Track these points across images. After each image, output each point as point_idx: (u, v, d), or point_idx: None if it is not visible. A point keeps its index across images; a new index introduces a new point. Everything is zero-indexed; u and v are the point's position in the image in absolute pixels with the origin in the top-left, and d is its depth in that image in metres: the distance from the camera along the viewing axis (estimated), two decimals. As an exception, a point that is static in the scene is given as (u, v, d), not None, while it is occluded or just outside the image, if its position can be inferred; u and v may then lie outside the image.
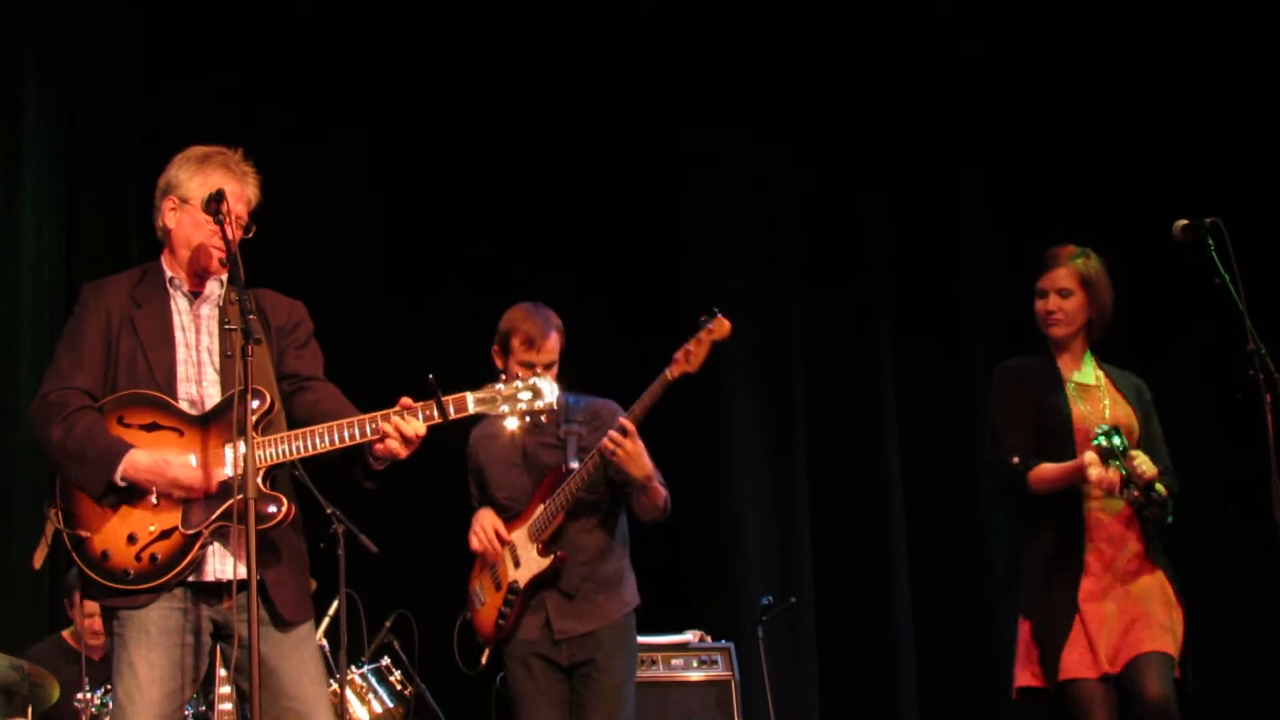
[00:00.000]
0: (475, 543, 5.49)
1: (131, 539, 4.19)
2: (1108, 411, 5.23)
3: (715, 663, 6.81)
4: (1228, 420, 7.25)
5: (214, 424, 4.26)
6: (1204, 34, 8.01)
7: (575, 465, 5.40)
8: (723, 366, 8.14)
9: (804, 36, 8.38)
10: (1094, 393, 5.29)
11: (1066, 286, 5.28)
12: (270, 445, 4.21)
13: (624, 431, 5.22)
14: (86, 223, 7.49)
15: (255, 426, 4.18)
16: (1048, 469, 5.13)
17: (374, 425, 4.21)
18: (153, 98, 7.67)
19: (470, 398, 4.27)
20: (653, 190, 8.29)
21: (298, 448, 4.22)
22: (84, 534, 4.21)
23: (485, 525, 5.50)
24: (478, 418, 4.40)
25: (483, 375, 4.39)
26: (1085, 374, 5.33)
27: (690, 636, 6.88)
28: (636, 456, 5.26)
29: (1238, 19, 7.97)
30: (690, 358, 5.25)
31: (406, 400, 4.25)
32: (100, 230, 7.45)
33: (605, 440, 5.23)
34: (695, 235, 8.38)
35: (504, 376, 4.37)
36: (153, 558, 4.18)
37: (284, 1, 7.96)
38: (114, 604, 4.23)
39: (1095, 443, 4.97)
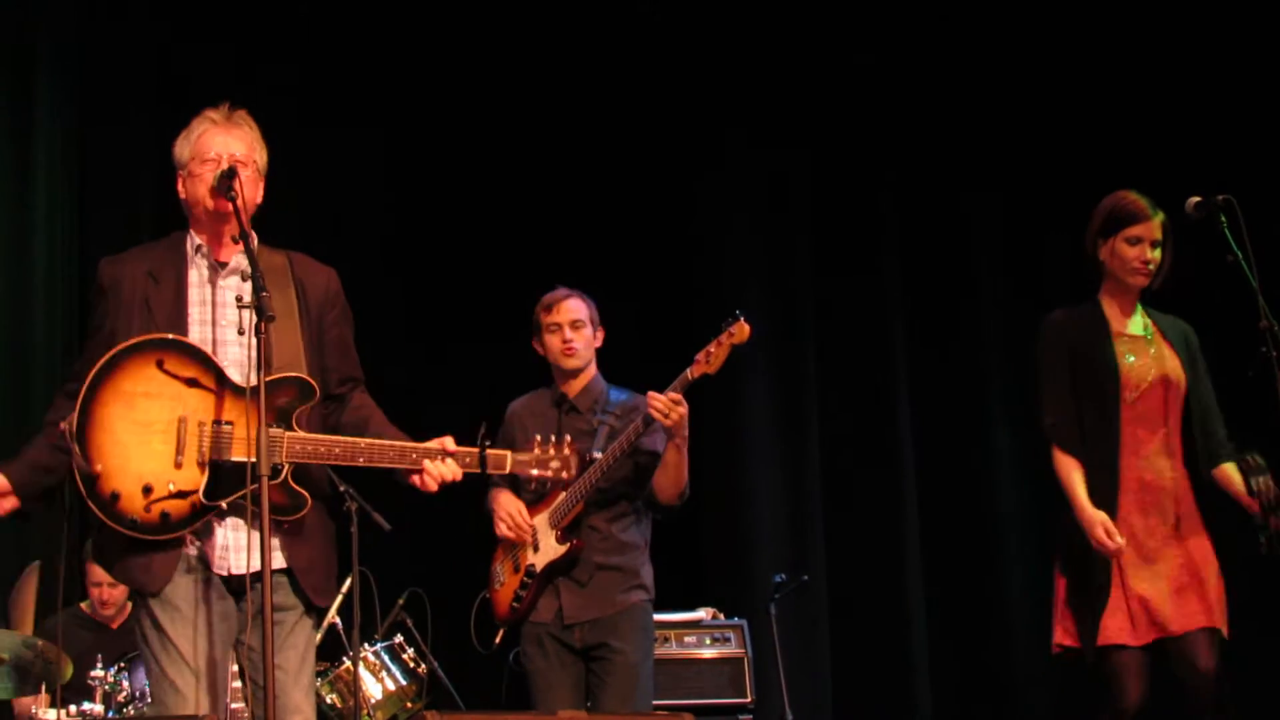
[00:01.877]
0: (502, 528, 5.51)
1: (147, 490, 4.12)
2: (1161, 362, 5.18)
3: (728, 640, 6.82)
4: (1240, 398, 7.26)
5: (254, 402, 4.14)
6: (1212, 10, 7.98)
7: (598, 455, 5.42)
8: (737, 349, 8.14)
9: (811, 33, 8.41)
10: (1142, 343, 5.23)
11: (1159, 238, 5.21)
12: (310, 443, 4.17)
13: (674, 401, 5.26)
14: (98, 209, 7.50)
15: (297, 419, 4.18)
16: (1075, 482, 5.09)
17: (414, 458, 4.24)
18: (165, 84, 7.67)
19: (509, 458, 4.37)
20: (666, 187, 8.32)
21: (338, 454, 4.21)
22: (96, 469, 4.11)
23: (511, 510, 5.50)
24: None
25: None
26: (1134, 324, 5.27)
27: (703, 614, 6.89)
28: (685, 420, 5.31)
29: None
30: (711, 359, 5.30)
31: (450, 442, 4.29)
32: (113, 216, 7.46)
33: (653, 407, 5.25)
34: (709, 228, 8.42)
35: (544, 438, 4.45)
36: (163, 514, 4.12)
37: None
38: (134, 584, 4.21)
39: (1247, 456, 5.01)
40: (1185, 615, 5.02)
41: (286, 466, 4.15)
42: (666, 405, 5.24)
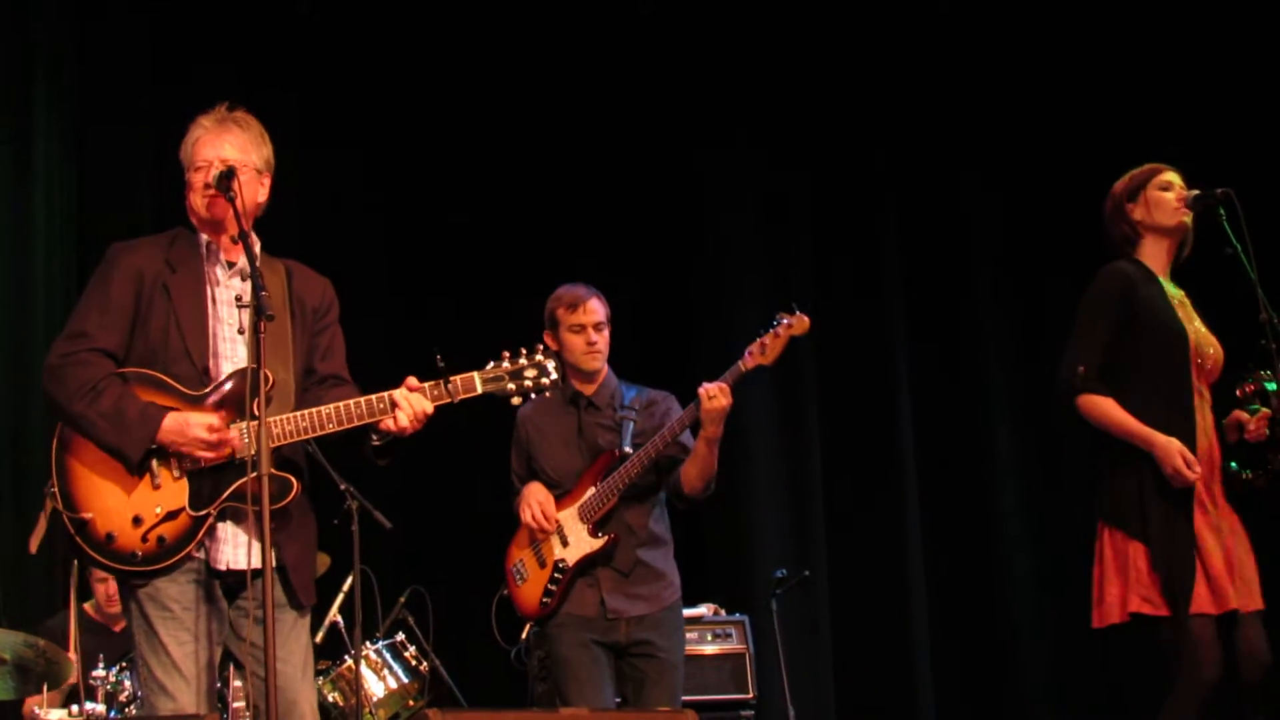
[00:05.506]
0: (527, 516, 5.45)
1: (137, 521, 4.14)
2: (1201, 328, 5.09)
3: (730, 636, 6.81)
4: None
5: (215, 402, 4.21)
6: (1211, 7, 7.98)
7: (629, 450, 5.41)
8: (738, 345, 8.15)
9: (810, 42, 8.43)
10: (1184, 309, 5.11)
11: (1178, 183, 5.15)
12: (276, 425, 4.18)
13: (721, 390, 5.28)
14: (98, 209, 7.50)
15: (257, 407, 4.16)
16: (1117, 413, 4.90)
17: (380, 404, 4.22)
18: (164, 80, 7.67)
19: (477, 378, 4.34)
20: (667, 185, 8.34)
21: (305, 427, 4.20)
22: (86, 516, 4.15)
23: (540, 499, 5.46)
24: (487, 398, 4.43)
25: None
26: (1174, 290, 5.15)
27: (705, 610, 6.88)
28: (724, 413, 5.30)
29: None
30: (766, 350, 5.31)
31: (412, 380, 4.27)
32: (113, 216, 7.43)
33: (705, 390, 5.25)
34: (710, 227, 8.43)
35: (513, 352, 4.36)
36: (160, 539, 4.15)
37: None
38: (126, 574, 4.20)
39: (1268, 386, 4.90)
40: (1237, 593, 4.87)
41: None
42: (711, 390, 5.25)
